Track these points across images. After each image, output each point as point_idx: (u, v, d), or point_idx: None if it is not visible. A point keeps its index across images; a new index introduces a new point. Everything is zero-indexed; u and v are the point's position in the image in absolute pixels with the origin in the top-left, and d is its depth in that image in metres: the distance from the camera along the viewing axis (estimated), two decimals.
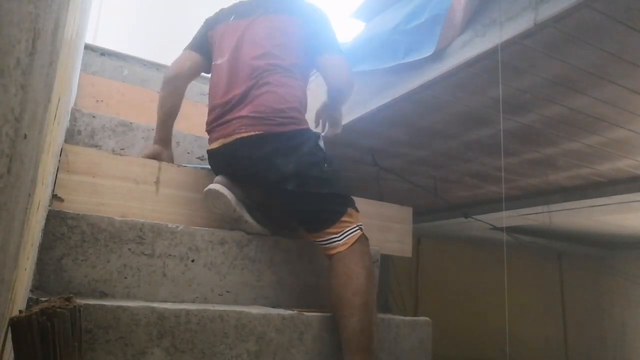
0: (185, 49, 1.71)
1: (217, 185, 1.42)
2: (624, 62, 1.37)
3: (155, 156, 1.59)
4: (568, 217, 2.98)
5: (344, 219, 1.36)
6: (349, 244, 1.33)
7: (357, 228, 1.36)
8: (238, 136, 1.41)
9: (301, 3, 1.62)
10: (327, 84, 1.57)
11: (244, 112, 1.43)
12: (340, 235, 1.34)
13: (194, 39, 1.72)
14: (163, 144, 1.66)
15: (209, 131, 1.54)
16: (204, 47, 1.67)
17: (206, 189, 1.43)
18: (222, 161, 1.48)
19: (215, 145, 1.49)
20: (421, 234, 3.85)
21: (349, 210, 1.38)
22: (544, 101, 1.65)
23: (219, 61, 1.58)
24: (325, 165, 1.41)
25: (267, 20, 1.56)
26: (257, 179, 1.43)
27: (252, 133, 1.40)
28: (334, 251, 1.33)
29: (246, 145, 1.40)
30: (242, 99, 1.45)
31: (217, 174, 1.49)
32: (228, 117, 1.46)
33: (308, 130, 1.46)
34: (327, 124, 1.74)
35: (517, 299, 3.98)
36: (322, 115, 1.76)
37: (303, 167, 1.37)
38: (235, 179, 1.45)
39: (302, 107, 1.49)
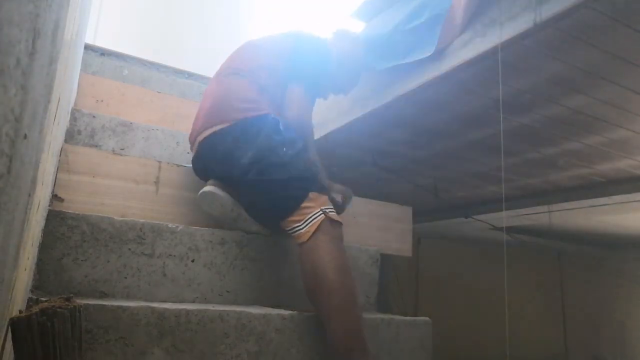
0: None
1: (211, 188, 1.41)
2: (624, 62, 1.37)
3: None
4: (568, 217, 2.98)
5: (305, 204, 1.27)
6: (311, 232, 1.23)
7: (319, 213, 1.26)
8: (203, 136, 1.43)
9: (288, 35, 1.63)
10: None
11: (204, 110, 1.47)
12: (302, 223, 1.25)
13: None
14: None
15: (191, 145, 1.56)
16: None
17: (200, 192, 1.41)
18: (200, 169, 1.50)
19: (192, 151, 1.52)
20: (421, 234, 3.85)
21: (311, 194, 1.28)
22: (544, 101, 1.65)
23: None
24: (284, 149, 1.33)
25: (253, 46, 1.61)
26: (228, 178, 1.40)
27: (212, 130, 1.40)
28: (299, 240, 1.26)
29: (210, 143, 1.41)
30: (206, 100, 1.50)
31: (198, 176, 1.52)
32: (196, 119, 1.51)
33: (266, 115, 1.38)
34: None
35: (517, 299, 3.98)
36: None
37: (260, 154, 1.32)
38: (222, 181, 1.43)
39: (263, 94, 1.45)
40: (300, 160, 1.34)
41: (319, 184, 1.33)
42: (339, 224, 1.29)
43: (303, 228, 1.25)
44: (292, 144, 1.35)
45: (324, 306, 1.19)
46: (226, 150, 1.37)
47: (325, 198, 1.32)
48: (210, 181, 1.45)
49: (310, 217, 1.26)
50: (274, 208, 1.33)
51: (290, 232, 1.29)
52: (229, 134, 1.37)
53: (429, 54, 1.52)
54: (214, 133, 1.39)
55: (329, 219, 1.26)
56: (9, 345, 0.68)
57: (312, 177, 1.33)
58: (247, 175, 1.33)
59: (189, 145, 1.85)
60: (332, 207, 1.31)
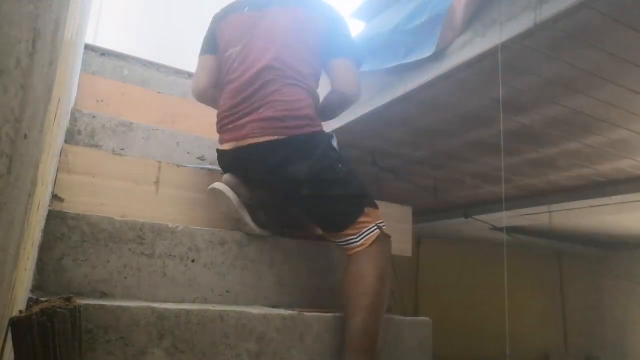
0: (199, 55, 1.67)
1: (222, 186, 1.41)
2: (624, 62, 1.37)
3: None
4: (568, 217, 2.98)
5: (361, 219, 1.33)
6: (366, 245, 1.30)
7: (375, 228, 1.33)
8: (252, 141, 1.37)
9: (319, 1, 1.57)
10: (333, 88, 1.52)
11: (256, 115, 1.39)
12: (358, 236, 1.32)
13: (204, 40, 1.67)
14: None
15: (219, 130, 1.49)
16: (215, 46, 1.61)
17: (211, 186, 1.42)
18: (234, 164, 1.46)
19: (226, 146, 1.45)
20: (421, 234, 3.84)
21: (366, 209, 1.35)
22: (544, 101, 1.65)
23: (229, 52, 1.52)
24: (340, 165, 1.38)
25: (282, 13, 1.50)
26: (270, 185, 1.42)
27: (265, 139, 1.36)
28: (352, 251, 1.32)
29: (259, 151, 1.37)
30: (254, 99, 1.40)
31: (226, 173, 1.48)
32: (241, 118, 1.41)
33: (320, 132, 1.42)
34: None
35: (517, 299, 3.98)
36: None
37: (316, 171, 1.34)
38: (245, 181, 1.44)
39: (315, 108, 1.45)
40: (355, 177, 1.40)
41: (372, 199, 1.39)
42: (389, 238, 1.36)
43: (358, 241, 1.32)
44: (346, 160, 1.41)
45: (355, 304, 1.24)
46: (279, 161, 1.36)
47: (379, 212, 1.38)
48: (225, 177, 1.44)
49: (366, 231, 1.32)
50: (330, 221, 1.38)
51: (341, 243, 1.35)
52: (284, 147, 1.36)
53: (429, 54, 1.52)
54: (269, 142, 1.36)
55: (382, 234, 1.33)
56: (9, 345, 0.68)
57: (367, 193, 1.40)
58: (301, 190, 1.34)
59: (189, 145, 1.86)
60: (384, 221, 1.37)
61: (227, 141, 1.45)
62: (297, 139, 1.37)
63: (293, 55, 1.44)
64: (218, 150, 1.50)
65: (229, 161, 1.47)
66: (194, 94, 1.68)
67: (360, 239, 1.32)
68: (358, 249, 1.31)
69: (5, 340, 0.66)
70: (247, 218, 1.42)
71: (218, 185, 1.42)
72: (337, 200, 1.35)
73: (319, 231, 1.47)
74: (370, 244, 1.30)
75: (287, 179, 1.36)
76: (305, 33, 1.48)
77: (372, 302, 1.24)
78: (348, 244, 1.33)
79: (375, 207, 1.38)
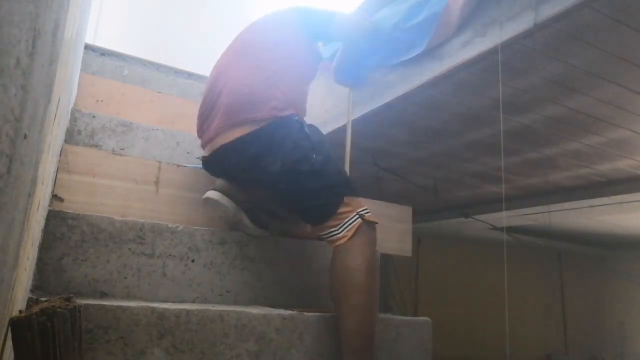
0: None
1: (215, 194, 1.40)
2: (624, 62, 1.37)
3: None
4: (568, 217, 2.98)
5: (340, 210, 1.27)
6: (348, 236, 1.25)
7: (356, 217, 1.27)
8: (222, 142, 1.36)
9: (282, 11, 1.58)
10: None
11: (218, 108, 1.38)
12: (339, 228, 1.26)
13: None
14: None
15: (199, 136, 1.51)
16: None
17: (204, 197, 1.41)
18: (217, 168, 1.46)
19: (205, 153, 1.46)
20: (421, 234, 3.85)
21: (346, 199, 1.28)
22: (544, 101, 1.65)
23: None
24: (314, 155, 1.30)
25: (253, 28, 1.55)
26: (254, 181, 1.41)
27: (233, 137, 1.33)
28: (335, 244, 1.27)
29: (231, 152, 1.35)
30: (215, 90, 1.42)
31: (216, 177, 1.48)
32: (208, 117, 1.43)
33: (290, 117, 1.35)
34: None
35: (517, 299, 3.98)
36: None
37: (289, 164, 1.28)
38: (236, 182, 1.43)
39: (286, 85, 1.39)
40: (331, 166, 1.33)
41: (352, 186, 1.33)
42: (374, 225, 1.29)
43: (340, 232, 1.26)
44: (320, 148, 1.33)
45: (345, 304, 1.21)
46: (251, 159, 1.32)
47: (360, 200, 1.32)
48: (217, 183, 1.43)
49: (347, 221, 1.26)
50: (310, 214, 1.32)
51: (325, 236, 1.29)
52: (252, 143, 1.32)
53: (420, 52, 1.53)
54: (236, 140, 1.33)
55: (365, 222, 1.27)
56: (9, 345, 0.68)
57: (345, 181, 1.33)
58: (278, 184, 1.31)
59: (189, 145, 1.86)
60: (367, 208, 1.31)
61: (204, 146, 1.46)
62: (264, 131, 1.31)
63: (254, 53, 1.44)
64: (202, 159, 1.49)
65: (212, 167, 1.47)
66: None
67: (342, 231, 1.25)
68: (341, 241, 1.25)
69: (5, 340, 0.66)
70: (247, 221, 1.41)
71: (211, 194, 1.40)
72: (315, 192, 1.28)
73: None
74: (353, 235, 1.24)
75: (263, 174, 1.32)
76: (281, 37, 1.49)
77: (362, 301, 1.20)
78: (330, 236, 1.27)
79: (356, 194, 1.32)
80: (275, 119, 1.32)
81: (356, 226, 1.26)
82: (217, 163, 1.43)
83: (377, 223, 1.30)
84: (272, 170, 1.30)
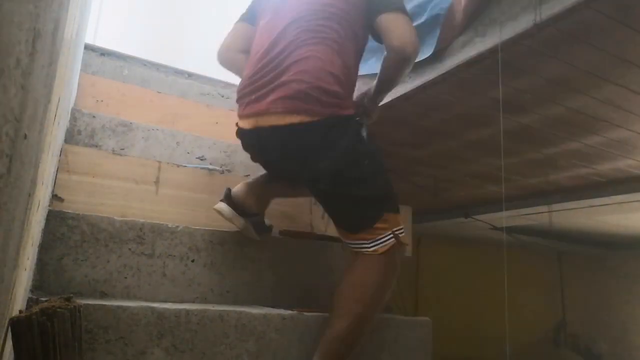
0: (236, 22, 1.60)
1: (226, 210, 1.34)
2: (624, 62, 1.37)
3: None
4: (568, 217, 2.98)
5: (378, 225, 1.22)
6: (378, 252, 1.21)
7: (391, 237, 1.22)
8: (274, 122, 1.24)
9: None
10: (386, 49, 1.30)
11: (279, 87, 1.24)
12: (371, 242, 1.21)
13: (245, 10, 1.60)
14: None
15: (239, 100, 1.36)
16: (253, 16, 1.51)
17: (215, 207, 1.36)
18: (254, 144, 1.37)
19: (246, 124, 1.31)
20: (421, 234, 3.85)
21: (386, 215, 1.23)
22: (544, 101, 1.65)
23: (261, 23, 1.42)
24: (366, 162, 1.25)
25: None
26: (291, 173, 1.35)
27: (288, 121, 1.22)
28: (361, 255, 1.23)
29: (280, 135, 1.24)
30: (276, 64, 1.26)
31: (248, 152, 1.42)
32: (262, 88, 1.27)
33: (350, 117, 1.27)
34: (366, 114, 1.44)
35: (517, 299, 3.98)
36: (363, 102, 1.46)
37: (340, 165, 1.22)
38: (269, 166, 1.41)
39: (348, 83, 1.30)
40: (380, 176, 1.28)
41: (395, 202, 1.29)
42: (404, 246, 1.26)
43: (370, 247, 1.21)
44: (373, 156, 1.28)
45: (346, 308, 1.18)
46: (299, 149, 1.25)
47: (398, 218, 1.27)
48: (234, 190, 1.37)
49: (381, 238, 1.22)
50: (345, 221, 1.27)
51: (352, 245, 1.25)
52: (307, 133, 1.22)
53: (429, 55, 1.52)
54: (291, 126, 1.22)
55: (397, 243, 1.23)
56: (9, 345, 0.68)
57: (390, 196, 1.28)
58: (320, 183, 1.25)
59: (189, 145, 1.85)
60: (402, 228, 1.26)
61: (247, 117, 1.31)
62: (322, 124, 1.21)
63: (319, 9, 1.29)
64: (238, 128, 1.37)
65: (248, 141, 1.37)
66: (217, 56, 1.60)
67: (373, 246, 1.21)
68: (368, 254, 1.21)
69: (5, 340, 0.66)
70: (253, 234, 1.38)
71: (220, 207, 1.35)
72: (356, 201, 1.23)
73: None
74: (382, 253, 1.20)
75: (307, 168, 1.26)
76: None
77: (363, 313, 1.18)
78: (359, 247, 1.23)
79: (397, 211, 1.27)
80: (335, 115, 1.23)
81: (389, 246, 1.21)
82: (257, 139, 1.32)
83: (407, 245, 1.28)
84: (319, 167, 1.23)
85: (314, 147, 1.23)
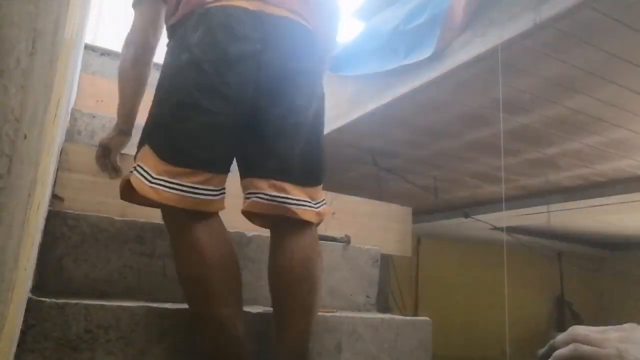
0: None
1: None
2: (624, 62, 1.37)
3: (117, 145, 1.30)
4: (568, 217, 2.98)
5: (321, 186, 1.09)
6: (319, 218, 1.05)
7: (325, 202, 1.09)
8: (289, 16, 1.04)
9: None
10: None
11: None
12: (317, 202, 1.05)
13: None
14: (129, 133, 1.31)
15: None
16: None
17: None
18: (238, 38, 0.99)
19: (240, 2, 1.01)
20: (421, 234, 3.85)
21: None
22: (544, 101, 1.65)
23: None
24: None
25: None
26: (262, 94, 1.02)
27: (303, 22, 1.06)
28: (313, 219, 1.04)
29: (287, 36, 1.03)
30: None
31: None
32: None
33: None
34: None
35: (517, 299, 3.98)
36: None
37: (318, 98, 1.08)
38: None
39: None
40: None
41: None
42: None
43: (317, 206, 1.05)
44: None
45: (309, 301, 1.03)
46: (300, 59, 1.04)
47: None
48: None
49: (323, 201, 1.09)
50: (312, 169, 1.08)
51: (315, 205, 1.06)
52: (310, 48, 1.07)
53: (429, 55, 1.52)
54: (305, 29, 1.06)
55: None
56: (9, 344, 0.68)
57: None
58: (299, 115, 1.03)
59: None
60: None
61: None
62: (316, 41, 1.09)
63: None
64: (202, 10, 1.01)
65: (233, 30, 0.99)
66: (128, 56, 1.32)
67: (320, 206, 1.06)
68: (313, 218, 1.03)
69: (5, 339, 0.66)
70: None
71: None
72: (320, 151, 1.08)
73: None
74: (319, 222, 1.06)
75: (305, 91, 1.06)
76: None
77: (319, 299, 1.05)
78: (320, 205, 1.07)
79: None
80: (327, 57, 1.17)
81: (325, 212, 1.09)
82: (255, 28, 1.01)
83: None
84: (304, 92, 1.05)
85: (309, 70, 1.07)
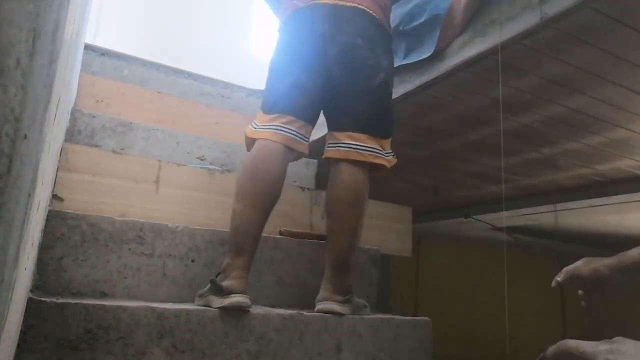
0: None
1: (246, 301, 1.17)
2: (624, 62, 1.37)
3: None
4: (568, 217, 2.98)
5: (390, 139, 1.41)
6: (390, 163, 1.37)
7: (393, 154, 1.40)
8: (357, 6, 1.35)
9: None
10: None
11: None
12: (388, 152, 1.38)
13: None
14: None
15: None
16: None
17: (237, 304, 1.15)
18: (317, 25, 1.35)
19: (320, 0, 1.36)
20: (421, 234, 3.85)
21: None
22: (544, 101, 1.65)
23: None
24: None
25: None
26: (344, 65, 1.35)
27: (369, 10, 1.37)
28: (375, 161, 1.34)
29: (358, 19, 1.35)
30: None
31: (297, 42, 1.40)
32: None
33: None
34: None
35: (517, 299, 3.98)
36: None
37: (388, 65, 1.39)
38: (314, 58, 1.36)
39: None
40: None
41: None
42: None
43: (388, 156, 1.38)
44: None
45: (355, 222, 1.33)
46: (368, 39, 1.35)
47: None
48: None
49: (392, 153, 1.41)
50: (386, 123, 1.41)
51: (386, 154, 1.37)
52: (369, 21, 1.37)
53: (429, 55, 1.52)
54: (369, 15, 1.37)
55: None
56: (8, 344, 0.68)
57: None
58: (376, 77, 1.35)
59: (189, 145, 1.85)
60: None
61: None
62: (383, 27, 1.41)
63: None
64: (295, 9, 1.39)
65: (314, 19, 1.36)
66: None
67: (390, 156, 1.38)
68: (385, 163, 1.36)
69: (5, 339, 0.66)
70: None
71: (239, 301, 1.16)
72: (388, 110, 1.41)
73: None
74: (389, 168, 1.38)
75: (370, 62, 1.35)
76: None
77: (361, 224, 1.34)
78: (389, 155, 1.38)
79: None
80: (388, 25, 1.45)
81: (394, 162, 1.40)
82: (330, 17, 1.34)
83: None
84: (377, 64, 1.35)
85: (379, 44, 1.38)
